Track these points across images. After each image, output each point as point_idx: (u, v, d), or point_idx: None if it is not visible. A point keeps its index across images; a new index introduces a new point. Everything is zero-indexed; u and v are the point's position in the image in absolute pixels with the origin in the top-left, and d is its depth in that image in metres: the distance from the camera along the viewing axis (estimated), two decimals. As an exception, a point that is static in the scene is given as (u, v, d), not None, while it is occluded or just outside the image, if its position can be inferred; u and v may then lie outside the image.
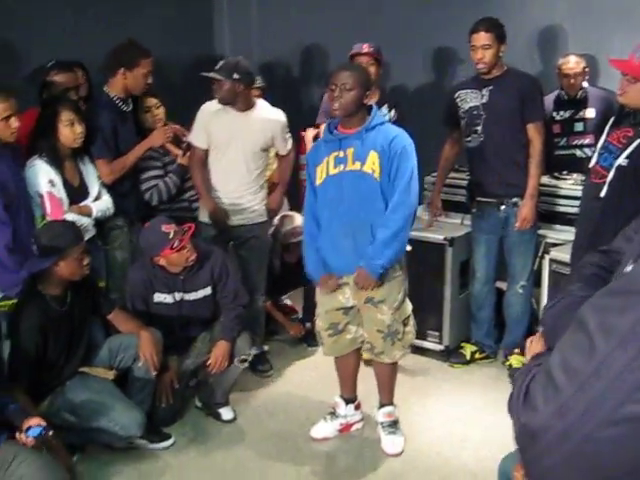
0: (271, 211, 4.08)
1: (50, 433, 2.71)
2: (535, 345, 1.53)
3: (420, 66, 5.12)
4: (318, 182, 3.14)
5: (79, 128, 3.49)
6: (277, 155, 4.16)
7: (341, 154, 3.07)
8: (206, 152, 3.88)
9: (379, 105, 3.99)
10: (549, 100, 4.30)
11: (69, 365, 3.27)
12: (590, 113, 4.33)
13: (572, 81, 4.25)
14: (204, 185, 3.90)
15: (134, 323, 3.42)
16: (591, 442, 0.99)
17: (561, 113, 4.39)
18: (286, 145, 4.00)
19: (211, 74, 3.72)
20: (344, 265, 3.16)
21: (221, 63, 3.76)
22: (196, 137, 3.87)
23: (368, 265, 3.06)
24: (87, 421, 3.17)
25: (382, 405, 3.46)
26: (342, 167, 3.07)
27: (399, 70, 4.84)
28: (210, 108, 3.83)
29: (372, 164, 3.01)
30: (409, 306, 3.30)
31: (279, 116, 3.93)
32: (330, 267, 3.20)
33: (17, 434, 2.68)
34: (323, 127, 3.68)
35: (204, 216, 3.93)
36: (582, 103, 4.33)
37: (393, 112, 4.09)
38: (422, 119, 4.41)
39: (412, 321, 3.32)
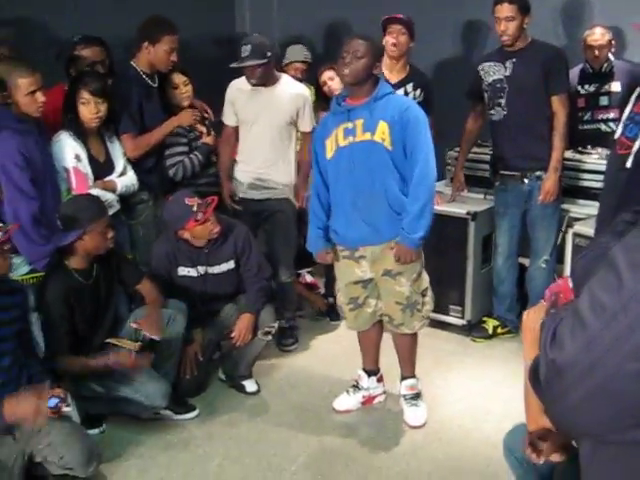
0: (295, 190, 4.07)
1: (64, 406, 2.75)
2: (533, 315, 1.53)
3: (443, 39, 5.06)
4: (329, 155, 3.12)
5: (94, 109, 3.47)
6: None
7: (350, 125, 3.05)
8: (236, 129, 3.91)
9: (404, 83, 3.97)
10: (574, 73, 4.23)
11: (96, 337, 3.32)
12: (616, 87, 4.26)
13: (596, 53, 4.18)
14: (228, 164, 3.95)
15: (153, 296, 3.44)
16: (616, 377, 0.99)
17: (586, 87, 4.33)
18: (310, 122, 3.99)
19: (246, 63, 3.65)
20: (358, 237, 3.17)
21: (248, 48, 3.64)
22: (224, 115, 3.92)
23: (407, 239, 3.06)
24: (113, 391, 3.23)
25: (404, 378, 3.48)
26: (352, 138, 3.04)
27: (423, 44, 4.79)
28: (236, 85, 3.86)
29: (382, 133, 2.99)
30: (427, 277, 3.31)
31: (303, 90, 3.95)
32: (345, 239, 3.21)
33: None
34: None
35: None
36: (607, 76, 4.26)
37: (419, 92, 4.03)
38: (445, 93, 4.36)
39: (430, 292, 3.33)
